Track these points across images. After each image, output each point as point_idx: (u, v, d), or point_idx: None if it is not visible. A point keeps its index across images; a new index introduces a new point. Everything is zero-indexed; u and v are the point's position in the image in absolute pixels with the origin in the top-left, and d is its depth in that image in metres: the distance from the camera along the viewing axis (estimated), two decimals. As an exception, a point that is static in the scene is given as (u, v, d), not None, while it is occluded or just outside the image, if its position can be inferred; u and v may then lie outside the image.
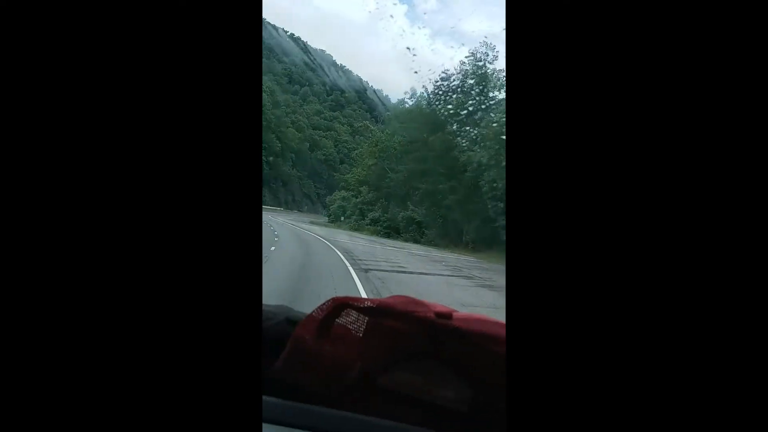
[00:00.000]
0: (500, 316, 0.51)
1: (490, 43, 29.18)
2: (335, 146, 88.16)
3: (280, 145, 70.42)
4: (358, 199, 36.79)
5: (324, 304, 0.58)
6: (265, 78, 78.07)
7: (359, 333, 0.57)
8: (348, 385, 0.56)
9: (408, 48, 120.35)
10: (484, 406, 0.52)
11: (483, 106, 27.00)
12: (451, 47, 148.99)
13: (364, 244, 19.50)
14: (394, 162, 33.59)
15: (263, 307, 0.63)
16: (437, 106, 30.84)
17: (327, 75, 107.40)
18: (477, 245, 22.67)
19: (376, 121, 58.91)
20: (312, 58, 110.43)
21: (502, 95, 25.43)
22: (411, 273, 10.51)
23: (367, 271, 9.70)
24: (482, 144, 24.03)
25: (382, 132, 39.53)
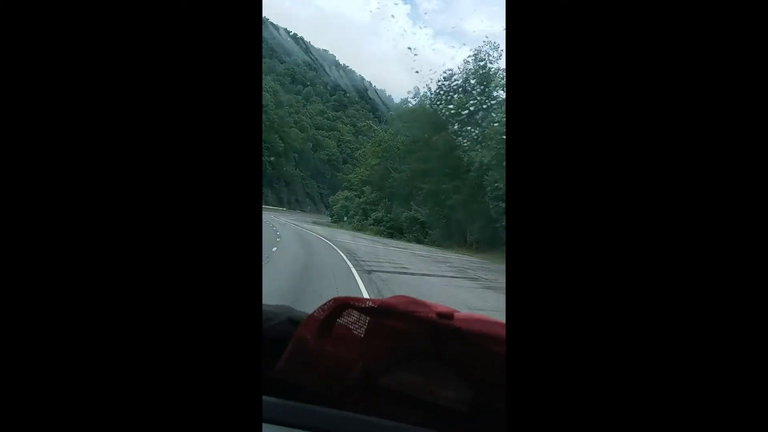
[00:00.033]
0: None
1: (494, 42, 28.95)
2: (338, 146, 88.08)
3: (283, 145, 70.36)
4: (361, 199, 36.65)
5: (325, 304, 0.58)
6: (267, 78, 78.20)
7: (361, 333, 0.57)
8: (349, 385, 0.56)
9: (409, 48, 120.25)
10: (484, 407, 0.52)
11: (484, 106, 26.86)
12: (452, 47, 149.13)
13: (366, 244, 19.33)
14: (398, 162, 33.43)
15: (265, 308, 0.63)
16: (438, 106, 30.69)
17: (329, 75, 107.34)
18: (481, 246, 22.48)
19: (379, 121, 58.78)
20: (314, 58, 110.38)
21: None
22: (415, 274, 10.32)
23: (370, 272, 9.52)
24: (484, 144, 23.87)
25: (385, 132, 39.37)
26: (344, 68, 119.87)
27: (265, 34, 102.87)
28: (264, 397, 0.48)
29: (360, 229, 32.25)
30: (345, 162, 78.14)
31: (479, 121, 27.00)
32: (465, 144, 27.28)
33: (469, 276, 11.38)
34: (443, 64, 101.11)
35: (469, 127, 28.07)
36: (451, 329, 0.52)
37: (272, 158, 67.86)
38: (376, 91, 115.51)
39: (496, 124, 22.96)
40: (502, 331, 0.51)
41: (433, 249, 22.39)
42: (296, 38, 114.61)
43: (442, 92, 30.72)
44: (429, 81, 54.58)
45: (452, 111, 29.20)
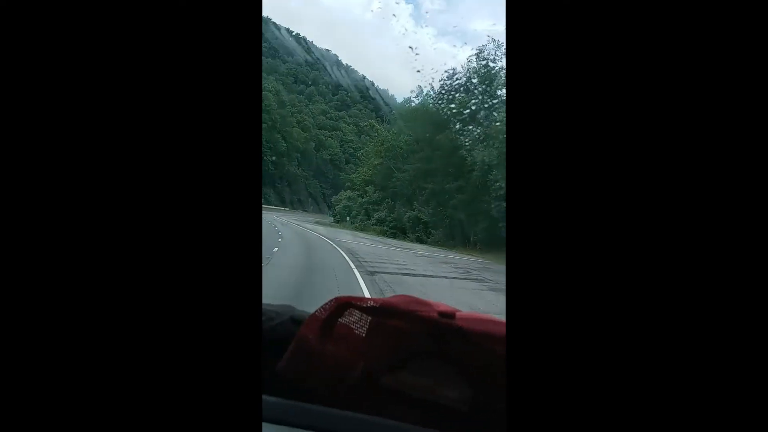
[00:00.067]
0: None
1: (498, 40, 28.71)
2: (341, 146, 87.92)
3: (285, 145, 70.21)
4: (363, 199, 36.47)
5: (327, 303, 0.58)
6: (270, 78, 78.15)
7: (362, 332, 0.57)
8: (351, 384, 0.56)
9: (410, 47, 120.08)
10: (486, 406, 0.52)
11: (486, 105, 26.65)
12: (454, 46, 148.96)
13: (369, 244, 19.12)
14: (400, 161, 33.23)
15: (267, 307, 0.64)
16: (440, 105, 30.51)
17: (331, 75, 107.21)
18: (484, 246, 22.26)
19: (382, 121, 58.55)
20: (316, 58, 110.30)
21: (509, 93, 24.97)
22: (419, 276, 10.09)
23: (372, 273, 9.29)
24: (486, 143, 23.67)
25: (388, 131, 39.16)
26: (346, 68, 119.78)
27: (267, 34, 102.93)
28: (265, 397, 0.48)
29: (362, 229, 32.05)
30: (348, 162, 77.96)
31: (481, 121, 26.81)
32: (467, 143, 27.09)
33: (474, 277, 11.14)
34: (445, 63, 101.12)
35: (470, 126, 27.88)
36: (452, 329, 0.53)
37: (274, 158, 67.73)
38: (378, 90, 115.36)
39: (498, 124, 22.77)
40: (504, 331, 0.49)
41: (436, 249, 22.18)
42: (298, 38, 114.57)
43: (444, 91, 30.54)
44: (431, 80, 54.31)
45: (454, 110, 29.00)
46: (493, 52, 27.95)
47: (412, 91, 42.12)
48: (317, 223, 37.37)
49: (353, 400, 0.53)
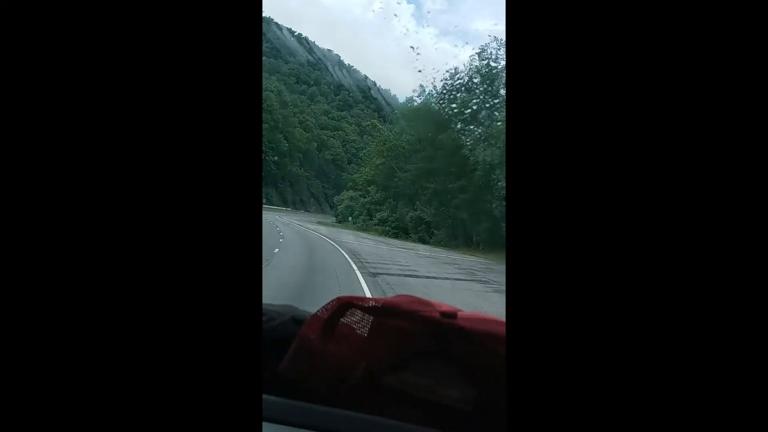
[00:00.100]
0: None
1: (501, 39, 28.50)
2: (343, 146, 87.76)
3: (287, 145, 70.08)
4: (366, 199, 36.30)
5: (329, 303, 0.58)
6: (272, 78, 78.06)
7: (364, 332, 0.57)
8: (353, 384, 0.56)
9: (412, 47, 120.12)
10: (488, 406, 0.52)
11: (487, 105, 26.46)
12: (456, 46, 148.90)
13: (371, 245, 18.96)
14: (403, 161, 33.07)
15: (269, 307, 0.64)
16: (441, 105, 30.36)
17: (333, 75, 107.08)
18: (487, 246, 22.07)
19: (384, 121, 58.37)
20: (318, 58, 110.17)
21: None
22: (422, 277, 9.90)
23: (375, 275, 9.12)
24: (487, 143, 23.51)
25: (390, 131, 38.98)
26: (348, 68, 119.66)
27: (269, 34, 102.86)
28: (267, 397, 0.49)
29: (364, 229, 31.88)
30: (350, 162, 77.81)
31: (482, 120, 26.64)
32: (468, 143, 26.93)
33: (478, 279, 10.96)
34: (446, 63, 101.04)
35: (472, 126, 27.72)
36: (454, 328, 0.53)
37: (277, 158, 67.58)
38: (379, 90, 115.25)
39: (499, 123, 22.61)
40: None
41: (439, 249, 22.01)
42: (300, 38, 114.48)
43: (445, 91, 30.39)
44: (433, 80, 54.16)
45: (455, 110, 28.83)
46: (494, 51, 27.80)
47: (414, 91, 41.91)
48: (319, 223, 37.23)
49: (355, 400, 0.53)
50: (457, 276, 11.28)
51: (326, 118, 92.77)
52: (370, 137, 53.91)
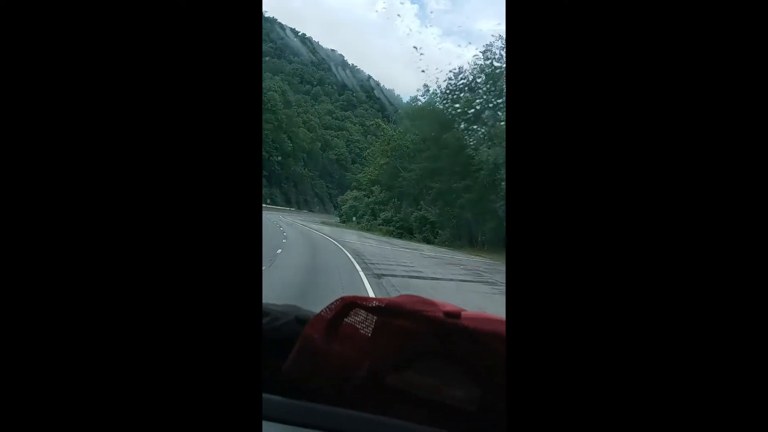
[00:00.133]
0: None
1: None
2: (347, 146, 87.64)
3: (291, 145, 69.99)
4: (370, 199, 36.15)
5: (332, 303, 0.58)
6: (276, 78, 77.96)
7: (368, 332, 0.57)
8: (356, 384, 0.56)
9: (415, 47, 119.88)
10: (492, 406, 0.52)
11: (491, 105, 26.25)
12: (459, 45, 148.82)
13: (375, 245, 18.80)
14: (407, 161, 32.90)
15: (272, 307, 0.64)
16: (445, 105, 30.21)
17: (336, 75, 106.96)
18: (492, 246, 21.87)
19: (388, 121, 58.20)
20: (321, 58, 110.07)
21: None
22: (428, 278, 9.72)
23: (379, 276, 8.93)
24: (490, 143, 23.33)
25: (394, 130, 38.80)
26: (352, 68, 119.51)
27: (272, 34, 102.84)
28: (270, 396, 0.49)
29: (369, 229, 31.72)
30: (354, 162, 77.64)
31: (486, 120, 26.44)
32: (471, 143, 26.74)
33: (485, 280, 10.75)
34: (449, 63, 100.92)
35: (475, 126, 27.53)
36: (458, 328, 0.53)
37: (280, 158, 67.50)
38: (383, 90, 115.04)
39: (502, 123, 22.41)
40: None
41: (443, 250, 21.81)
42: (304, 38, 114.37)
43: (449, 91, 30.23)
44: (436, 80, 53.98)
45: (458, 110, 28.65)
46: (499, 51, 27.57)
47: (418, 90, 41.71)
48: (323, 223, 37.10)
49: (359, 400, 0.53)
50: (463, 277, 11.08)
51: (330, 118, 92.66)
52: (374, 137, 53.74)
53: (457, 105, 29.11)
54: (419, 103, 35.76)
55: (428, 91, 34.10)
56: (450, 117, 29.41)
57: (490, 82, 27.05)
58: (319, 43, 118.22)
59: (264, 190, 63.58)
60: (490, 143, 24.02)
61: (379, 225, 31.61)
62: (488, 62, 27.73)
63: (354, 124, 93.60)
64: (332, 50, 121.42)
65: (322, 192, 79.83)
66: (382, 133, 41.96)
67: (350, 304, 0.57)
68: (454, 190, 26.60)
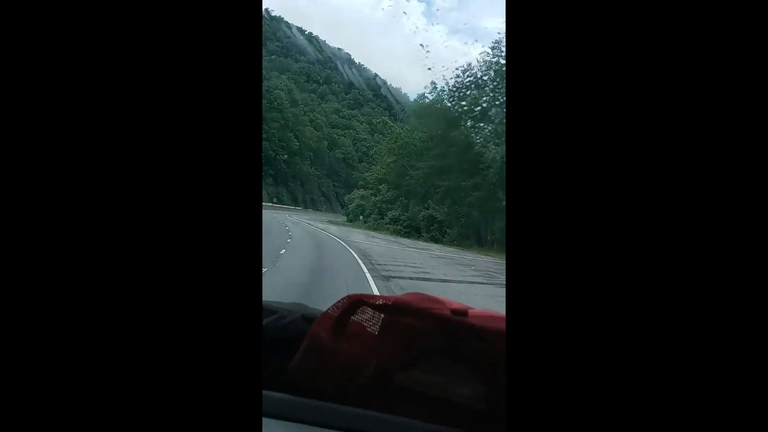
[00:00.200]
0: None
1: (513, 35, 27.70)
2: (354, 144, 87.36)
3: (298, 143, 69.77)
4: (377, 198, 35.80)
5: (339, 301, 0.59)
6: (282, 77, 77.75)
7: (375, 330, 0.57)
8: (364, 382, 0.56)
9: (421, 45, 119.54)
10: (499, 403, 0.52)
11: (497, 102, 25.80)
12: (465, 43, 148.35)
13: (382, 245, 18.42)
14: (414, 159, 32.50)
15: (278, 306, 0.65)
16: (452, 102, 29.85)
17: (343, 73, 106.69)
18: (501, 245, 21.40)
19: (395, 119, 57.80)
20: (328, 56, 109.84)
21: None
22: (438, 281, 9.28)
23: (387, 278, 8.52)
24: (497, 140, 22.89)
25: (402, 128, 38.39)
26: (359, 66, 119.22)
27: (279, 33, 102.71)
28: (277, 394, 0.50)
29: (376, 228, 31.36)
30: (361, 160, 77.36)
31: (492, 118, 26.01)
32: (478, 140, 26.32)
33: (499, 282, 10.27)
34: (455, 61, 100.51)
35: (482, 124, 27.10)
36: (465, 326, 0.53)
37: (287, 156, 67.28)
38: (390, 88, 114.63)
39: (507, 121, 22.01)
40: None
41: (452, 249, 21.40)
42: (310, 37, 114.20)
43: (455, 88, 29.84)
44: (443, 77, 53.51)
45: (465, 108, 28.23)
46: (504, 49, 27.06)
47: (425, 87, 41.29)
48: (330, 222, 36.83)
49: (366, 398, 0.53)
50: (475, 279, 10.64)
51: (337, 116, 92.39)
52: (380, 135, 53.38)
53: (464, 102, 28.73)
54: (426, 100, 35.36)
55: (435, 88, 33.75)
56: (457, 114, 29.00)
57: (498, 78, 26.60)
58: (326, 42, 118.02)
59: (270, 189, 63.39)
60: (497, 141, 23.62)
61: (386, 224, 31.24)
62: (495, 59, 27.29)
63: (361, 123, 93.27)
64: (339, 49, 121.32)
65: (329, 191, 79.59)
66: (389, 132, 41.53)
67: (357, 302, 0.57)
68: (463, 189, 26.17)
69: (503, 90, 25.86)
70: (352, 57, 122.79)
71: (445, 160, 28.19)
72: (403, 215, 30.69)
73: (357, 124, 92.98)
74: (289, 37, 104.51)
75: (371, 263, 10.64)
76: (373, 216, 34.39)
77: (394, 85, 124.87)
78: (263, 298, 0.57)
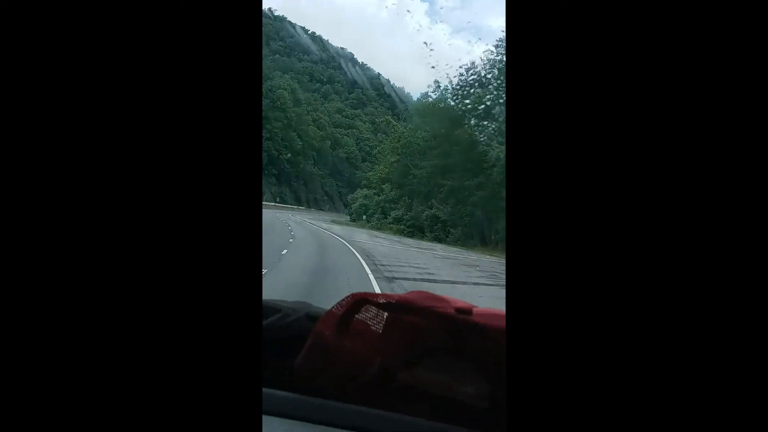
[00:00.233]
0: None
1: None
2: (357, 144, 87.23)
3: (301, 143, 69.70)
4: (380, 197, 35.67)
5: (343, 300, 0.59)
6: (286, 76, 77.65)
7: (379, 329, 0.57)
8: (368, 380, 0.56)
9: (425, 43, 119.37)
10: (503, 402, 0.52)
11: (501, 100, 25.60)
12: (469, 41, 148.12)
13: (386, 245, 18.25)
14: (418, 158, 32.33)
15: (282, 304, 0.66)
16: (456, 101, 29.65)
17: (346, 72, 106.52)
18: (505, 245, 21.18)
19: (398, 119, 57.66)
20: (331, 55, 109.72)
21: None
22: (443, 282, 9.11)
23: (391, 279, 8.36)
24: (501, 139, 22.72)
25: (405, 128, 38.23)
26: (362, 65, 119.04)
27: (282, 32, 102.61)
28: (281, 392, 0.51)
29: (379, 227, 31.22)
30: (364, 160, 77.19)
31: (496, 116, 25.82)
32: (482, 139, 26.13)
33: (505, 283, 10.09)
34: (459, 60, 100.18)
35: (485, 122, 26.92)
36: (470, 325, 0.53)
37: (290, 156, 67.20)
38: (393, 88, 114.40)
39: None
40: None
41: (456, 249, 21.22)
42: (314, 36, 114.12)
43: (459, 87, 29.67)
44: (446, 75, 53.27)
45: (468, 106, 28.04)
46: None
47: (429, 86, 41.01)
48: (333, 221, 36.70)
49: (370, 396, 0.53)
50: (481, 280, 10.46)
51: (340, 116, 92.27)
52: (384, 135, 53.17)
53: (468, 101, 28.55)
54: (430, 99, 35.19)
55: (439, 87, 33.58)
56: (460, 113, 28.81)
57: (502, 77, 26.40)
58: (329, 41, 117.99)
59: (274, 189, 63.32)
60: (501, 139, 23.44)
61: (389, 224, 31.09)
62: (499, 57, 27.08)
63: (364, 122, 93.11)
64: (342, 48, 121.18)
65: (332, 190, 79.48)
66: (392, 131, 41.42)
67: (361, 301, 0.57)
68: (467, 188, 25.99)
69: (507, 89, 25.68)
70: (355, 56, 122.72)
71: (449, 159, 28.01)
72: (407, 215, 30.53)
73: (360, 123, 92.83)
74: (292, 37, 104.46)
75: (374, 263, 10.48)
76: (377, 215, 34.26)
77: (398, 84, 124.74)
78: (266, 298, 0.58)
